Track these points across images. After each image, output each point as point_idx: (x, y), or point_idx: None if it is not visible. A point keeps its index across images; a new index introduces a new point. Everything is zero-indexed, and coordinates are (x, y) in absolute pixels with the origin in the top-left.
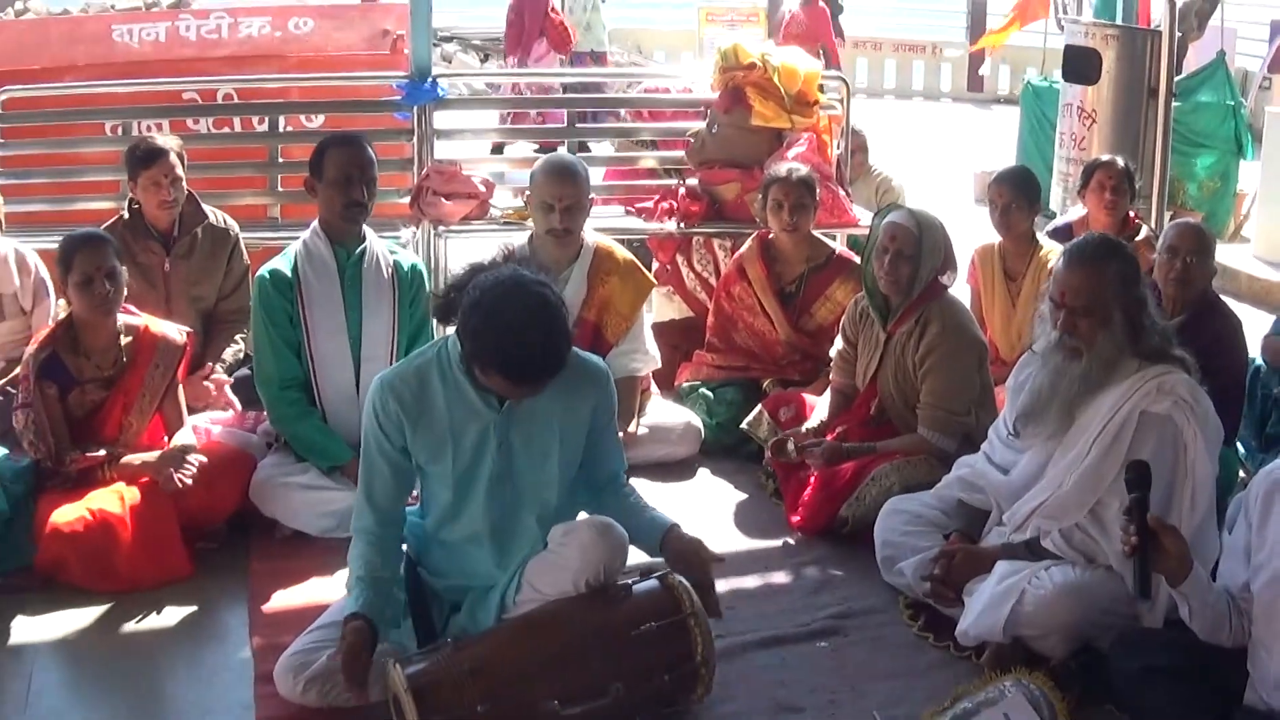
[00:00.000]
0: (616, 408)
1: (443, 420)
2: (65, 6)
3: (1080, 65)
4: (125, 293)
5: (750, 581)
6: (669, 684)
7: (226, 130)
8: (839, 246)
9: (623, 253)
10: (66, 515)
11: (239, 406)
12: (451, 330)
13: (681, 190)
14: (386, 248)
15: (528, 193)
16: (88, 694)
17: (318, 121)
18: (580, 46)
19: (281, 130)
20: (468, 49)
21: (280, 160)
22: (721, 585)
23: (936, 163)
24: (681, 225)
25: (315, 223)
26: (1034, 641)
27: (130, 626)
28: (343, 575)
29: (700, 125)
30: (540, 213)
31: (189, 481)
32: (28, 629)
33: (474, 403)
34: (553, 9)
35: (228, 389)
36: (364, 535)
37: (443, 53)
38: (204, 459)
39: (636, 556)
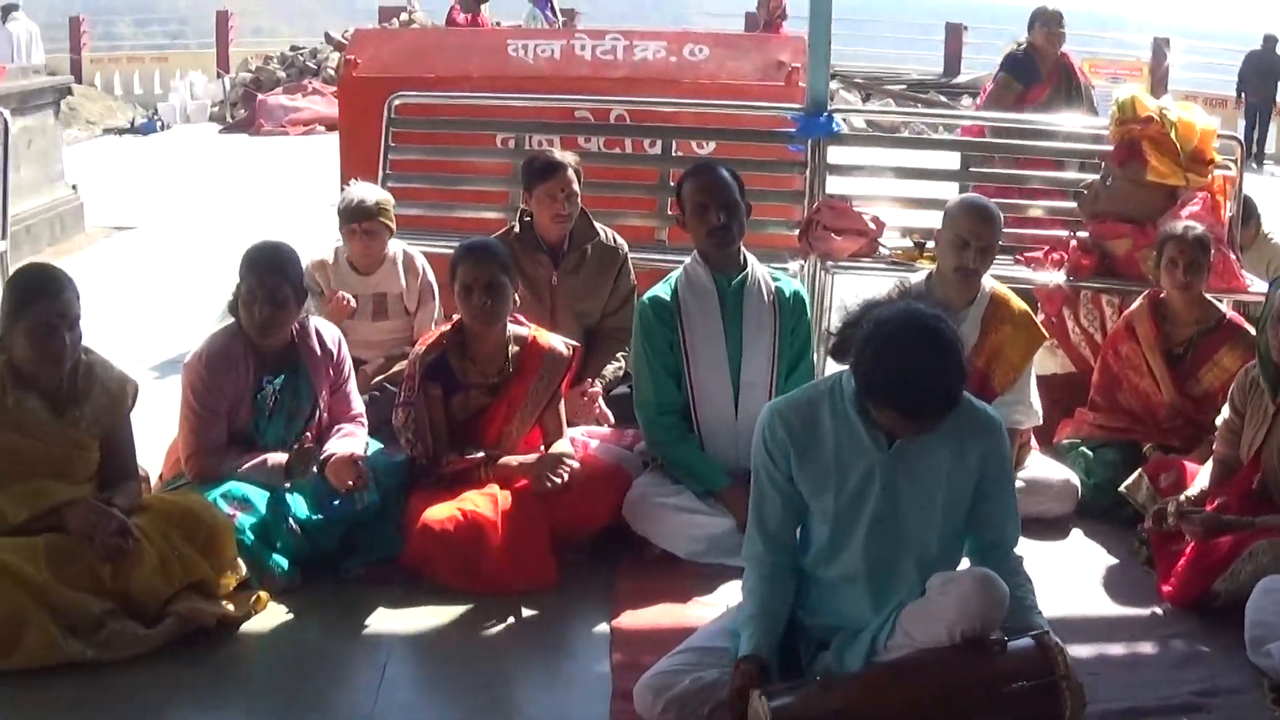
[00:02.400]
0: (1010, 463)
1: (829, 454)
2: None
3: None
4: (511, 305)
5: (1115, 649)
6: None
7: (617, 150)
8: (1229, 311)
9: (1018, 303)
10: (438, 513)
11: (612, 419)
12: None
13: (1073, 243)
14: (769, 274)
15: (938, 229)
16: (440, 691)
17: (709, 148)
18: None
19: (673, 154)
20: (850, 87)
21: (671, 184)
22: (1086, 651)
23: None
24: (1071, 278)
25: (695, 250)
26: None
27: (489, 629)
28: (708, 600)
29: (1092, 177)
30: (953, 248)
31: (559, 482)
32: (386, 620)
33: (863, 440)
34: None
35: (601, 402)
36: (756, 564)
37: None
38: (576, 465)
39: None
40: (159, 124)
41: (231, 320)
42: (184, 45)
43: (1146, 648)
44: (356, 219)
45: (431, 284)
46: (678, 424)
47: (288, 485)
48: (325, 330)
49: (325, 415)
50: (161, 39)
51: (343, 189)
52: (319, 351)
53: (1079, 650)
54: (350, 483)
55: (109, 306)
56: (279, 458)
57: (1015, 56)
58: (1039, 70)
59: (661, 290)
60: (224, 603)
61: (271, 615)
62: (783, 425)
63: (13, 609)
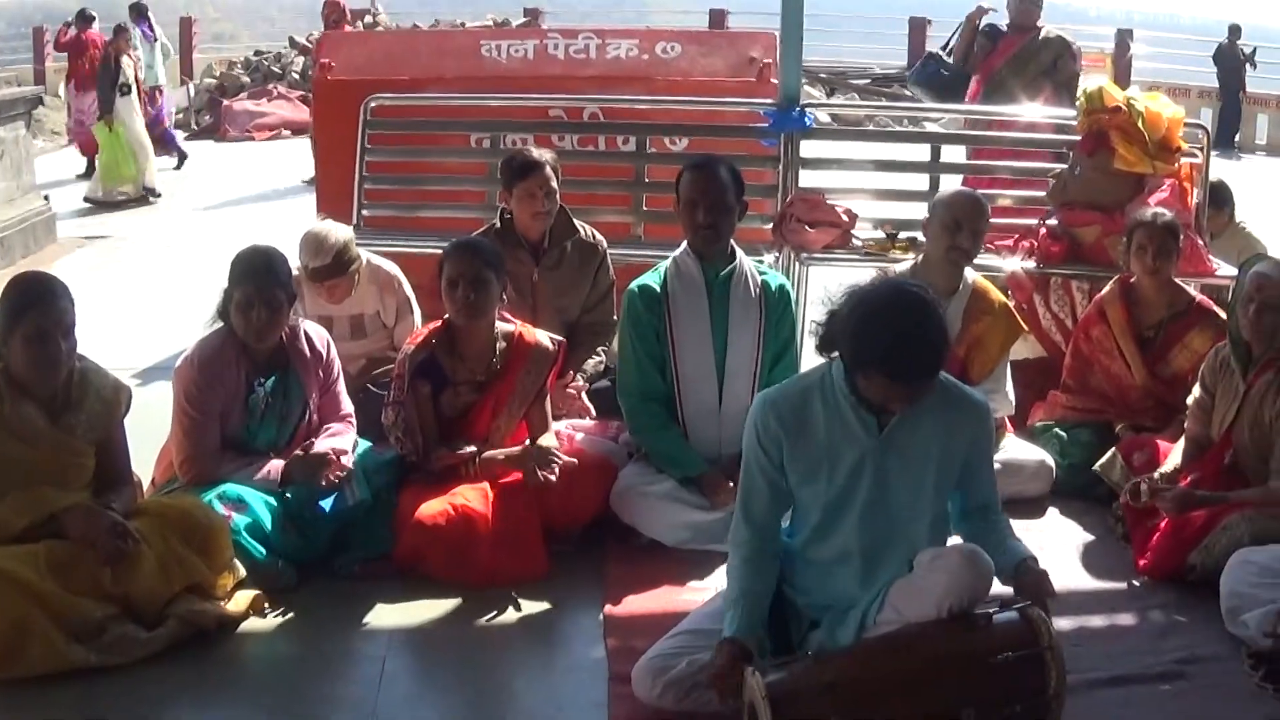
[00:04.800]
0: (993, 441)
1: (820, 443)
2: (415, 21)
3: None
4: (497, 301)
5: (1096, 621)
6: (1020, 714)
7: (591, 148)
8: (1198, 295)
9: (999, 295)
10: (430, 508)
11: (594, 413)
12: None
13: (1042, 230)
14: (755, 267)
15: (927, 217)
16: (439, 682)
17: (682, 144)
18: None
19: (647, 151)
20: (814, 81)
21: (646, 180)
22: (1068, 623)
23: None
24: (1041, 265)
25: (685, 241)
26: None
27: (484, 620)
28: (697, 585)
29: (1060, 166)
30: (946, 231)
31: (553, 479)
32: (383, 615)
33: (853, 428)
34: (91, 49)
35: (584, 396)
36: (740, 549)
37: None
38: (573, 460)
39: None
40: None
41: (220, 325)
42: None
43: (1126, 619)
44: (320, 279)
45: (409, 298)
46: (660, 411)
47: (282, 490)
48: (314, 332)
49: (315, 416)
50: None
51: (316, 205)
52: (309, 353)
53: (1061, 623)
54: (331, 478)
55: (86, 315)
56: (277, 465)
57: (993, 24)
58: (1007, 36)
59: (650, 279)
60: (222, 603)
61: (269, 615)
62: (775, 416)
63: (16, 617)
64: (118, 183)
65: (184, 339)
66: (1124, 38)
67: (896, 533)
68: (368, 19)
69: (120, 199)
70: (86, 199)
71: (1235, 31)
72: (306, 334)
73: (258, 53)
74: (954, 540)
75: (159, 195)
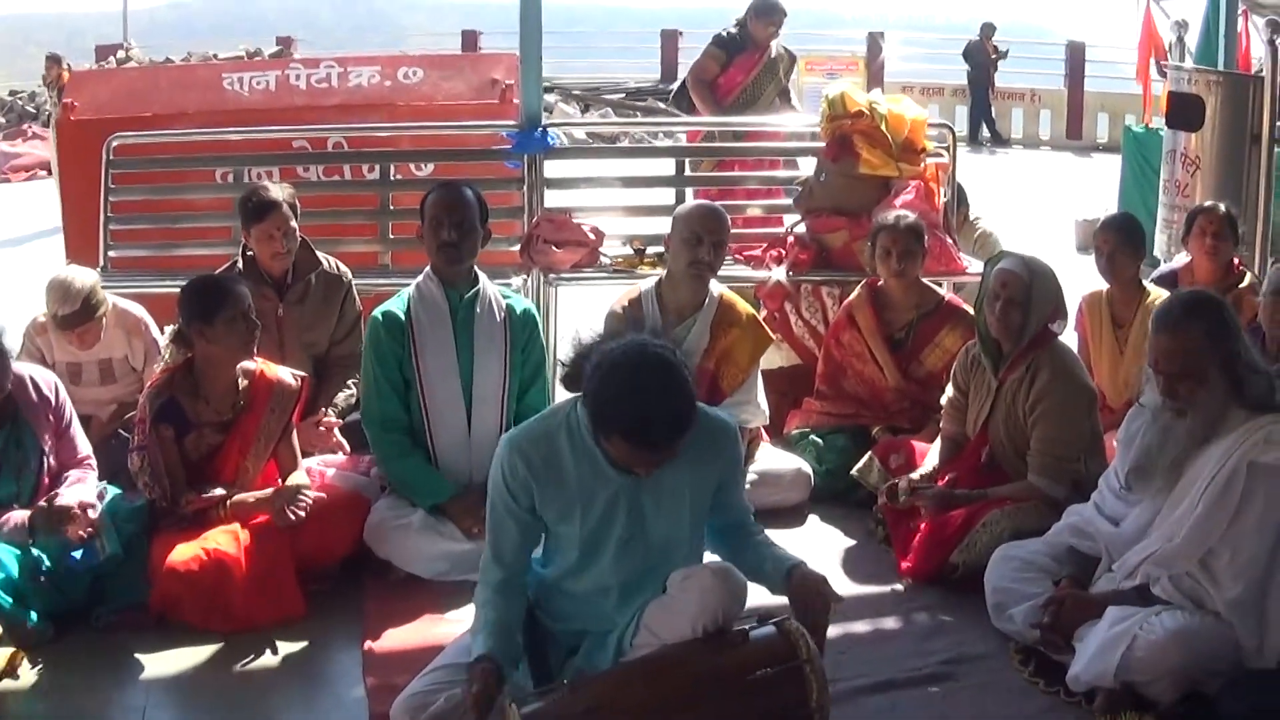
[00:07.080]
0: (743, 460)
1: (572, 484)
2: (167, 55)
3: (1184, 112)
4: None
5: (861, 627)
6: None
7: (337, 178)
8: (948, 294)
9: (745, 306)
10: (182, 554)
11: (348, 449)
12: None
13: (790, 238)
14: (500, 292)
15: (666, 235)
16: None
17: (427, 170)
18: None
19: (392, 178)
20: (568, 99)
21: (391, 208)
22: (832, 630)
23: (1036, 210)
24: (790, 273)
25: (429, 267)
26: (1144, 687)
27: (243, 666)
28: (455, 616)
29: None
30: (686, 246)
31: (303, 515)
32: (142, 666)
33: (603, 467)
34: None
35: (337, 431)
36: (489, 585)
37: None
38: (322, 495)
39: (755, 598)
40: None
41: None
42: None
43: (891, 623)
44: (70, 327)
45: (156, 340)
46: (402, 439)
47: (31, 541)
48: (39, 376)
49: (53, 461)
50: None
51: (65, 249)
52: (36, 398)
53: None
54: (81, 533)
55: None
56: (20, 516)
57: (723, 35)
58: (746, 51)
59: (395, 305)
60: None
61: (29, 671)
62: (522, 461)
63: None
64: None
65: None
66: (875, 40)
67: (654, 564)
68: (120, 54)
69: None
70: None
71: (988, 29)
72: (31, 379)
73: (12, 92)
74: (709, 558)
75: None
